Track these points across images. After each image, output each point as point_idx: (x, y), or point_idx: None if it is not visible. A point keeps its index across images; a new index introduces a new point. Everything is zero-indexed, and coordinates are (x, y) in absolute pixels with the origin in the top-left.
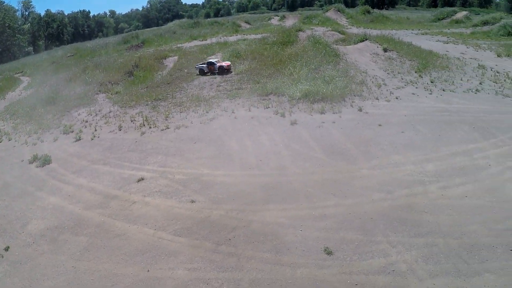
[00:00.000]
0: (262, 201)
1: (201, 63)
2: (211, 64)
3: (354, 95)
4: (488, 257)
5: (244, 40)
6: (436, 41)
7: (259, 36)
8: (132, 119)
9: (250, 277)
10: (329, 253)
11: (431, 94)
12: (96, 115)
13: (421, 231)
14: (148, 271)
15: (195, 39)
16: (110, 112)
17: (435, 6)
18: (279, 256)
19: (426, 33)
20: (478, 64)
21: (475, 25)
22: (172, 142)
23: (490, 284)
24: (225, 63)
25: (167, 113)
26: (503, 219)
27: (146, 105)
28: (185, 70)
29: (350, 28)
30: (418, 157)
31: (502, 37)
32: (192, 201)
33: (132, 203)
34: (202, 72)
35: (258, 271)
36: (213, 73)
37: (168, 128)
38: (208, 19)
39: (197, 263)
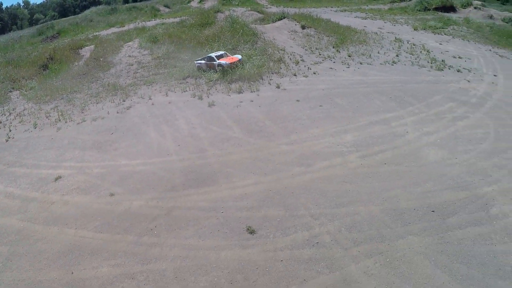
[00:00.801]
0: (182, 186)
1: (201, 57)
2: (210, 59)
3: (272, 73)
4: (410, 220)
5: (163, 24)
6: (355, 17)
7: (177, 19)
8: (47, 115)
9: (175, 266)
10: (252, 232)
11: (348, 67)
12: (10, 114)
13: (342, 201)
14: (72, 273)
15: (113, 26)
16: (24, 110)
17: None
18: (202, 240)
19: (345, 10)
20: (395, 37)
21: (393, 1)
22: (89, 135)
23: (414, 246)
24: (227, 59)
25: (83, 105)
26: (423, 182)
27: (62, 99)
28: (101, 59)
29: (270, 7)
30: (337, 129)
31: (418, 12)
32: (111, 195)
33: (51, 204)
34: (201, 70)
35: (182, 259)
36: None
37: (84, 121)
38: (126, 5)
39: (120, 258)
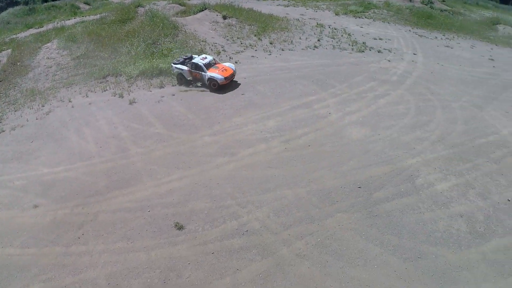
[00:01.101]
0: (106, 189)
1: (180, 60)
2: (197, 67)
3: None
4: (337, 198)
5: (82, 22)
6: (277, 5)
7: (98, 16)
8: None
9: (106, 273)
10: (180, 228)
11: (270, 55)
12: None
13: (268, 187)
14: None
15: (31, 28)
16: None
17: None
18: (131, 243)
19: None
20: (317, 23)
21: None
22: (8, 146)
23: (343, 223)
24: (220, 71)
25: (0, 114)
26: (347, 160)
27: None
28: (18, 63)
29: None
30: (259, 115)
31: None
32: (35, 206)
33: None
34: (181, 80)
35: (113, 264)
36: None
37: (3, 131)
38: (45, 4)
39: (50, 272)
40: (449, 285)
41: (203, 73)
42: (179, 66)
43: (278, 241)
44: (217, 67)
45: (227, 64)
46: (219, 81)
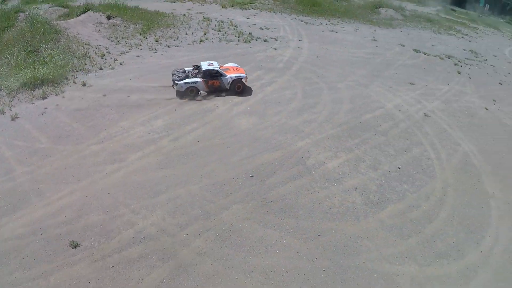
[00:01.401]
0: None
1: (184, 73)
2: (212, 76)
3: (77, 70)
4: (231, 190)
5: None
6: (164, 1)
7: None
8: None
9: None
10: (76, 246)
11: (155, 53)
12: None
13: (161, 189)
14: None
15: None
16: None
17: None
18: (28, 271)
19: None
20: (203, 17)
21: None
22: None
23: (240, 214)
24: (236, 71)
25: None
26: (238, 151)
27: None
28: None
29: (77, 1)
30: (146, 116)
31: None
32: None
33: None
34: (188, 95)
35: None
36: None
37: None
38: None
39: None
40: (352, 256)
41: (223, 77)
42: (189, 80)
43: (177, 243)
44: (228, 69)
45: (229, 65)
46: (244, 79)
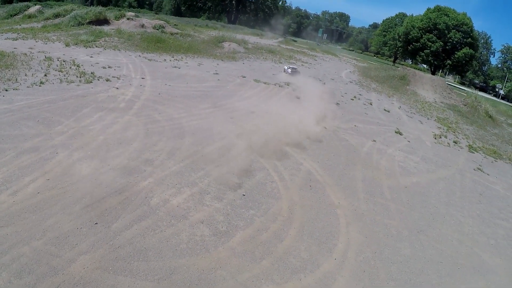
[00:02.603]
0: None
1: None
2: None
3: None
4: (76, 241)
5: None
6: (5, 39)
7: None
8: None
9: None
10: None
11: None
12: None
13: (3, 249)
14: None
15: None
16: None
17: (11, 2)
18: None
19: None
20: (45, 56)
21: (47, 18)
22: None
23: (87, 264)
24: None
25: None
26: (79, 199)
27: None
28: None
29: None
30: None
31: (72, 27)
32: None
33: None
34: None
35: None
36: None
37: None
38: None
39: None
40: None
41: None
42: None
43: None
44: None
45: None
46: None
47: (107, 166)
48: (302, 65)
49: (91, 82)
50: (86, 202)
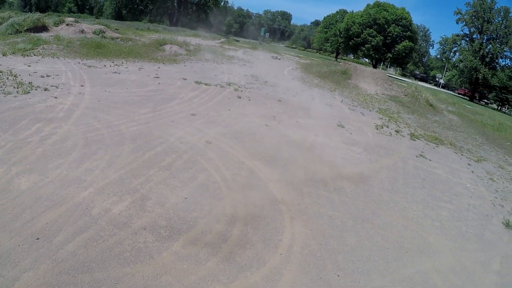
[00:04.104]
0: None
1: None
2: None
3: None
4: (19, 258)
5: None
6: None
7: None
8: None
9: None
10: None
11: None
12: None
13: None
14: None
15: None
16: None
17: None
18: None
19: None
20: None
21: None
22: None
23: (31, 281)
24: None
25: None
26: (20, 214)
27: None
28: None
29: None
30: None
31: (10, 35)
32: None
33: None
34: None
35: None
36: None
37: None
38: None
39: None
40: None
41: None
42: None
43: None
44: None
45: None
46: None
47: (46, 179)
48: (244, 64)
49: (28, 92)
50: (26, 218)
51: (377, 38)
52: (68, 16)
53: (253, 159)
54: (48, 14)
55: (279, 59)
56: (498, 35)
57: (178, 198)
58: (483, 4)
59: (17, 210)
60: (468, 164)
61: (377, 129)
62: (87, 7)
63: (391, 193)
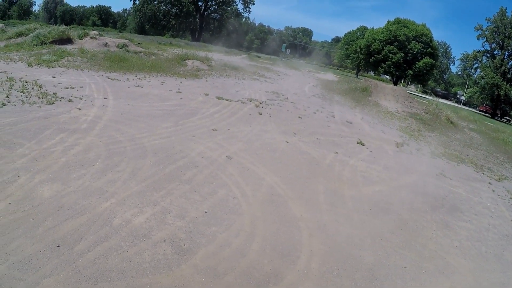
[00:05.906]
0: None
1: None
2: None
3: None
4: (40, 264)
5: None
6: None
7: None
8: None
9: None
10: None
11: None
12: None
13: None
14: None
15: None
16: None
17: None
18: None
19: None
20: (7, 77)
21: (10, 38)
22: None
23: (53, 287)
24: None
25: None
26: (42, 221)
27: None
28: None
29: None
30: None
31: (35, 47)
32: None
33: None
34: None
35: None
36: None
37: None
38: None
39: None
40: None
41: None
42: None
43: None
44: None
45: None
46: None
47: (69, 188)
48: (265, 80)
49: (53, 103)
50: (48, 225)
51: (397, 55)
52: (92, 29)
53: (273, 175)
54: (72, 27)
55: (302, 74)
56: None
57: (198, 212)
58: (504, 19)
59: (39, 217)
60: (489, 183)
61: (397, 147)
62: (111, 21)
63: (410, 212)
